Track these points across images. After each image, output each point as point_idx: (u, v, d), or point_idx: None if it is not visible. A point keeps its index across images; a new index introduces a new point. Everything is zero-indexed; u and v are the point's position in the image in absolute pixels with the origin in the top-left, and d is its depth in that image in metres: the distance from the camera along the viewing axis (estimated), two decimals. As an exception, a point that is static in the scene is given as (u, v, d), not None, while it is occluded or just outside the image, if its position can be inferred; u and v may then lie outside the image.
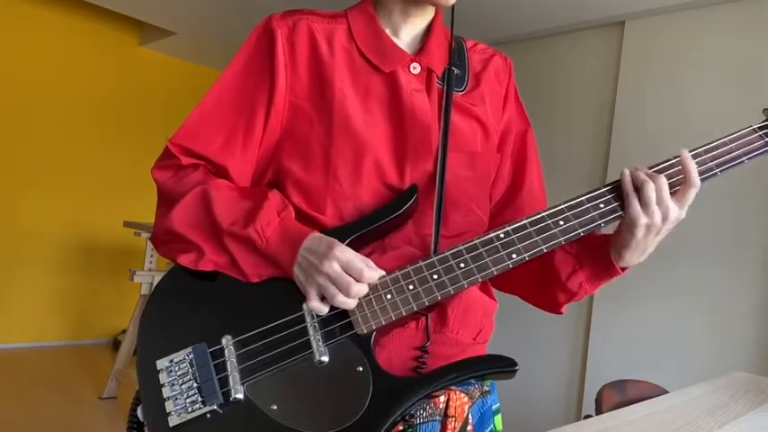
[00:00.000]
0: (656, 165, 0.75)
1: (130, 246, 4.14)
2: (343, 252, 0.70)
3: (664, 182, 0.72)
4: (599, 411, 1.39)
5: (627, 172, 0.74)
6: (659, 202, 0.71)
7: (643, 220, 0.71)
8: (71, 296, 4.27)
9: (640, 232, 0.73)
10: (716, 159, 0.75)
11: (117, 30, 4.32)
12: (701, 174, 0.74)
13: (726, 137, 0.77)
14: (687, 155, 0.73)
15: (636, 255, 0.76)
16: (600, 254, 0.80)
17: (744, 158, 0.76)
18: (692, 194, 0.72)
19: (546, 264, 0.83)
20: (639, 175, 0.73)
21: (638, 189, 0.72)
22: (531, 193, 0.90)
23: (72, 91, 4.15)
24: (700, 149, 0.76)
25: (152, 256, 3.28)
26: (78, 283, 4.29)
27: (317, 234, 0.73)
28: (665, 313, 2.61)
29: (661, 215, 0.71)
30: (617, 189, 0.75)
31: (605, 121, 2.96)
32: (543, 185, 0.93)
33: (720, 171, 0.75)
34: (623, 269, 0.79)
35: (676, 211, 0.72)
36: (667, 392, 1.40)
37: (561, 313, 0.89)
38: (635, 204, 0.72)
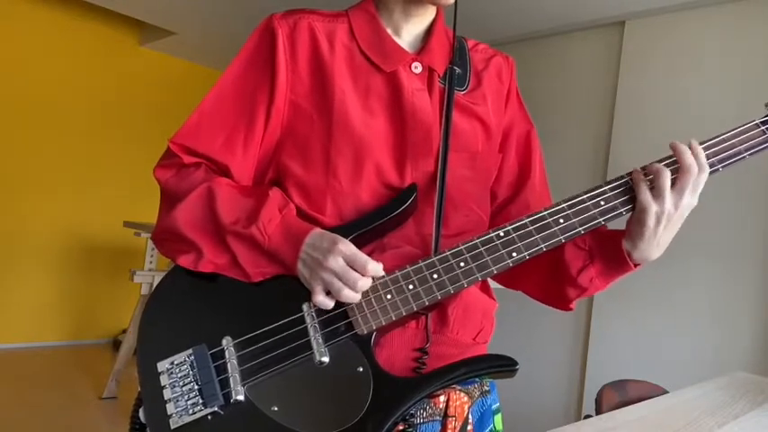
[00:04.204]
0: (662, 159, 0.75)
1: (130, 246, 4.14)
2: (347, 247, 0.70)
3: (667, 173, 0.72)
4: (599, 411, 1.39)
5: (637, 169, 0.74)
6: (672, 188, 0.71)
7: (654, 207, 0.71)
8: (71, 296, 4.27)
9: (651, 221, 0.72)
10: (718, 155, 0.75)
11: (117, 30, 4.32)
12: None
13: (728, 132, 0.76)
14: (678, 144, 0.73)
15: (651, 248, 0.75)
16: (612, 248, 0.79)
17: (746, 154, 0.75)
18: (688, 180, 0.71)
19: (556, 259, 0.83)
20: (653, 166, 0.73)
21: (652, 178, 0.72)
22: (534, 192, 0.90)
23: (72, 91, 4.15)
24: (702, 145, 0.75)
25: (152, 256, 3.28)
26: (78, 283, 4.29)
27: (318, 230, 0.73)
28: (666, 313, 2.61)
29: (672, 201, 0.71)
30: (618, 186, 0.74)
31: (605, 121, 2.97)
32: (547, 185, 0.93)
33: (722, 167, 0.74)
34: (636, 265, 0.78)
35: (688, 198, 0.72)
36: (667, 392, 1.40)
37: (570, 309, 0.88)
38: (646, 192, 0.72)
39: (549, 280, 0.86)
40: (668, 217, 0.72)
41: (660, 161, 0.75)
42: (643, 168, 0.74)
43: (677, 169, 0.73)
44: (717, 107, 2.54)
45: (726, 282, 2.45)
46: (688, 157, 0.72)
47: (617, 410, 1.06)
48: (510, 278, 0.90)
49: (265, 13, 0.87)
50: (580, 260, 0.81)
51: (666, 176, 0.71)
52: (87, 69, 4.22)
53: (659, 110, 2.73)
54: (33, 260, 4.07)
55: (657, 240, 0.74)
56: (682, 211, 0.72)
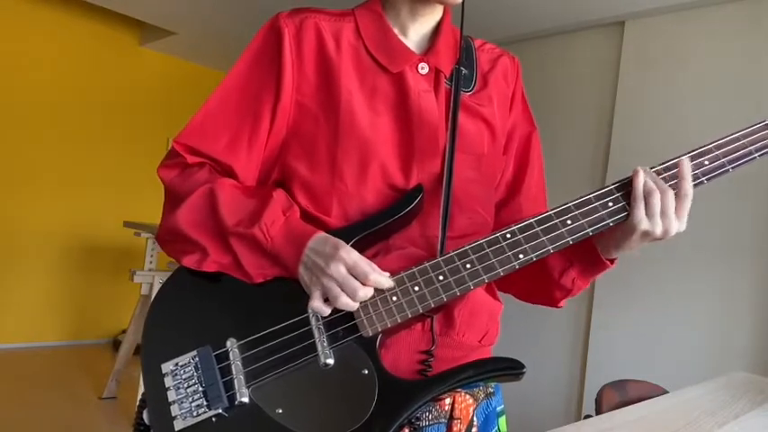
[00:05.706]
0: (663, 163, 0.75)
1: (130, 246, 4.14)
2: (349, 254, 0.69)
3: (671, 195, 0.71)
4: (599, 411, 1.40)
5: (641, 174, 0.73)
6: (663, 214, 0.71)
7: (644, 226, 0.71)
8: (71, 296, 4.26)
9: (637, 237, 0.73)
10: (728, 156, 0.74)
11: (117, 30, 4.32)
12: (712, 171, 0.73)
13: (737, 132, 0.76)
14: (687, 164, 0.72)
15: (624, 252, 0.77)
16: (588, 249, 0.80)
17: (756, 154, 0.74)
18: (687, 205, 0.72)
19: (540, 262, 0.82)
20: (648, 183, 0.72)
21: (646, 196, 0.72)
22: (528, 196, 0.90)
23: (72, 91, 4.15)
24: (710, 145, 0.75)
25: (152, 256, 3.28)
26: (78, 283, 4.29)
27: (322, 234, 0.73)
28: (666, 313, 2.61)
29: (663, 228, 0.72)
30: (626, 187, 0.74)
31: (605, 121, 2.97)
32: (544, 189, 0.93)
33: (732, 167, 0.74)
34: (611, 261, 0.80)
35: (677, 226, 0.72)
36: (667, 392, 1.41)
37: (560, 307, 0.89)
38: (640, 209, 0.72)
39: (534, 283, 0.87)
40: (653, 237, 0.73)
41: (659, 165, 0.75)
42: (644, 179, 0.73)
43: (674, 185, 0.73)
44: (717, 107, 2.54)
45: (726, 281, 2.46)
46: (689, 184, 0.72)
47: (617, 410, 1.06)
48: (500, 281, 0.91)
49: (266, 13, 0.86)
50: (560, 262, 0.83)
51: (658, 198, 0.71)
52: (87, 69, 4.21)
53: (659, 110, 2.74)
54: (33, 260, 4.06)
55: (632, 249, 0.76)
56: (667, 237, 0.73)
